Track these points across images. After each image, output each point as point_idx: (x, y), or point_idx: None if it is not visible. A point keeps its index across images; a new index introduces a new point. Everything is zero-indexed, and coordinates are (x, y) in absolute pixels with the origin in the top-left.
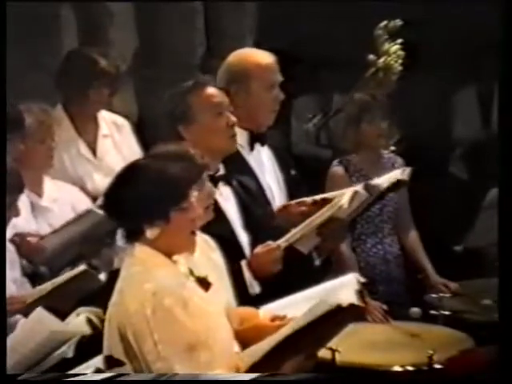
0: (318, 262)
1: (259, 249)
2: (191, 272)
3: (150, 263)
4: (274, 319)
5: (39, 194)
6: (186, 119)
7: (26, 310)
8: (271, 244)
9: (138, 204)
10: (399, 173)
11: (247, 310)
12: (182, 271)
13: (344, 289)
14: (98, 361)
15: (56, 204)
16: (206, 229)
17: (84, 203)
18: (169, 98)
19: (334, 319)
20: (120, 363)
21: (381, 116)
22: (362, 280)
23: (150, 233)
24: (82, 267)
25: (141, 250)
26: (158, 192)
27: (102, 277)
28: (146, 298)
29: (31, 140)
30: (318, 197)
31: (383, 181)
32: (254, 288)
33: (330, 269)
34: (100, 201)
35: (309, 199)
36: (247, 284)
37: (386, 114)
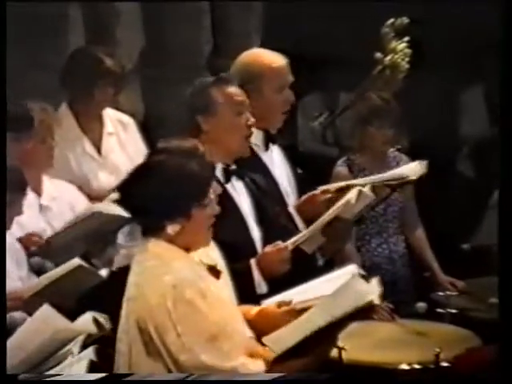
0: (321, 263)
1: (268, 248)
2: (202, 262)
3: (167, 256)
4: (280, 305)
5: (39, 193)
6: (207, 110)
7: (24, 306)
8: (280, 244)
9: (160, 201)
10: (419, 165)
11: (249, 306)
12: (197, 262)
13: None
14: (88, 352)
15: (55, 203)
16: (219, 222)
17: (82, 202)
18: (191, 90)
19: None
20: (110, 354)
21: (390, 123)
22: (362, 273)
23: (172, 229)
24: (75, 262)
25: (155, 245)
26: (180, 189)
27: (103, 272)
28: (166, 290)
29: (32, 139)
30: (340, 184)
31: (406, 172)
32: (262, 287)
33: (333, 269)
34: (106, 200)
35: (332, 187)
36: (255, 283)
37: (395, 122)
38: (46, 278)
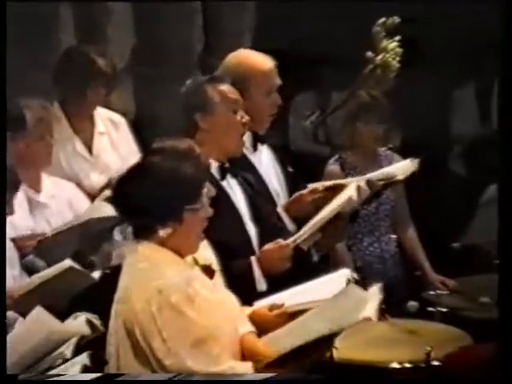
0: (316, 258)
1: (269, 246)
2: (196, 261)
3: (156, 259)
4: (271, 308)
5: (37, 191)
6: (204, 109)
7: (15, 305)
8: (281, 242)
9: (153, 203)
10: (410, 163)
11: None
12: (188, 262)
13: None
14: (83, 358)
15: (53, 200)
16: (216, 219)
17: (80, 199)
18: (186, 88)
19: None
20: (104, 361)
21: (377, 119)
22: (355, 276)
23: (163, 232)
24: (66, 263)
25: (146, 247)
26: (172, 192)
27: (96, 275)
28: (151, 295)
29: (31, 137)
30: (328, 183)
31: (395, 171)
32: (261, 285)
33: (328, 265)
34: (99, 199)
35: (320, 186)
36: (256, 281)
37: (383, 119)
38: (37, 278)
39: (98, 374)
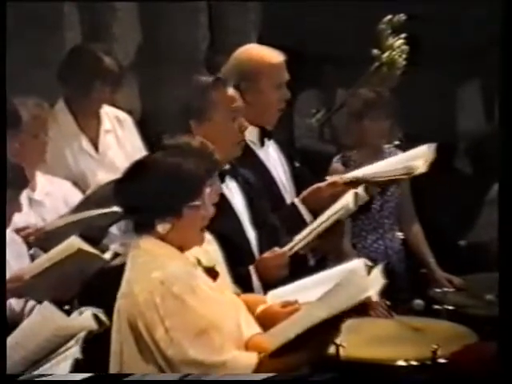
0: (312, 262)
1: (266, 254)
2: (199, 262)
3: (157, 253)
4: (284, 305)
5: (32, 188)
6: (201, 115)
7: (25, 288)
8: (278, 250)
9: (152, 199)
10: (426, 149)
11: (255, 297)
12: (190, 261)
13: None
14: (75, 350)
15: (48, 198)
16: (215, 223)
17: (76, 197)
18: (187, 91)
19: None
20: (97, 352)
21: (384, 115)
22: (370, 264)
23: (162, 228)
24: (75, 244)
25: (147, 241)
26: (172, 188)
27: (107, 256)
28: (154, 286)
29: (25, 134)
30: (349, 175)
31: (416, 163)
32: (260, 293)
33: (325, 268)
34: (94, 188)
35: (339, 179)
36: (254, 289)
37: (389, 113)
38: (46, 260)
39: (101, 374)
